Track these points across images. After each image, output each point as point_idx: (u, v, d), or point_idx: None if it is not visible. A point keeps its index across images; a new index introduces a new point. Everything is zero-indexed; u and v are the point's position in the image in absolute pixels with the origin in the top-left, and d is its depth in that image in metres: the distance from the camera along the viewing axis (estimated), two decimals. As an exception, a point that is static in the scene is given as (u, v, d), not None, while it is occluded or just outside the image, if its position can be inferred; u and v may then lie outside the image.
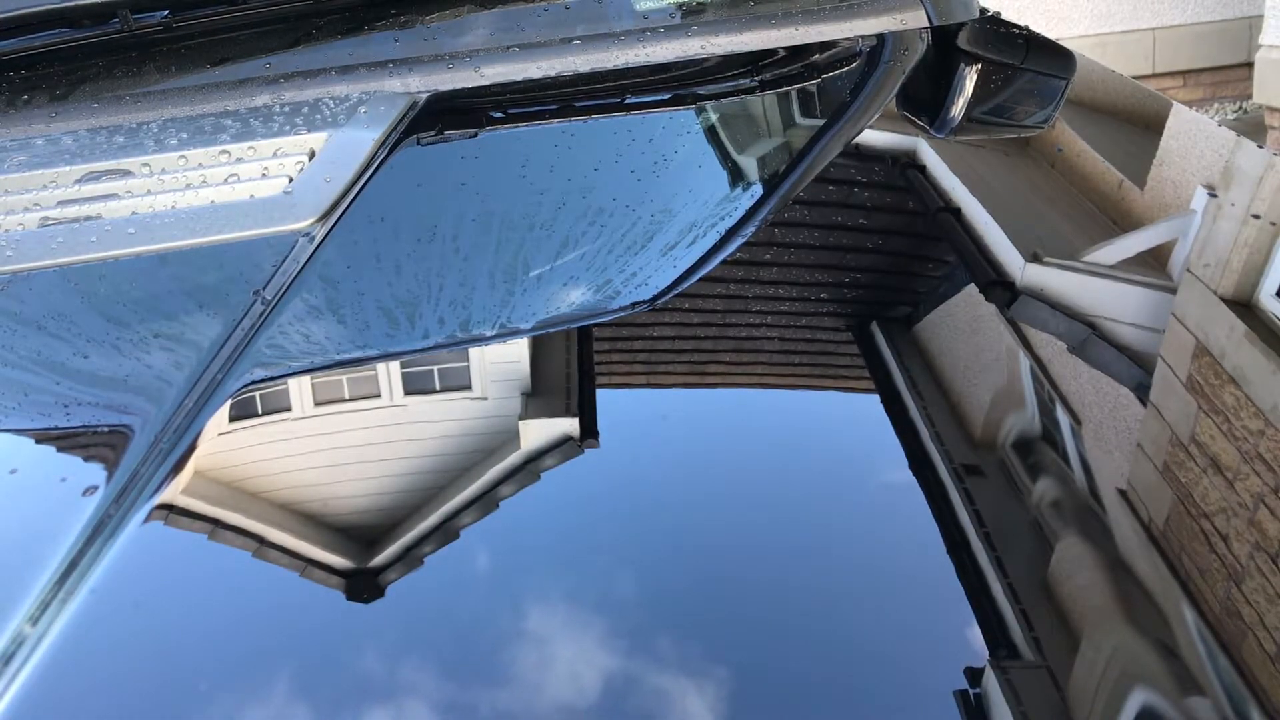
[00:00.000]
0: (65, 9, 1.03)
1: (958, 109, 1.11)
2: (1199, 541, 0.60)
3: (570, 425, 0.72)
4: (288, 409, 0.73)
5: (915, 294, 0.92)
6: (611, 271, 0.86)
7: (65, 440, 0.69)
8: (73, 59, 1.06)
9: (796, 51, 1.11)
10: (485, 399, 0.76)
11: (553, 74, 1.05)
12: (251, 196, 0.87)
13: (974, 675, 0.51)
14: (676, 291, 0.82)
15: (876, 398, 0.75)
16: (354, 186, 0.89)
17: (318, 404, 0.74)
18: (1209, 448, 0.67)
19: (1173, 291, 0.85)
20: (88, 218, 0.86)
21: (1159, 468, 0.66)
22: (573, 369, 0.77)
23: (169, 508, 0.63)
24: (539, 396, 0.75)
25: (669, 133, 1.06)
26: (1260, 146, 1.11)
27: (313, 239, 0.83)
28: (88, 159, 0.93)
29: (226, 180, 0.89)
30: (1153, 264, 0.91)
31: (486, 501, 0.64)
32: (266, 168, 0.90)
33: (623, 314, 0.81)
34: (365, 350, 0.79)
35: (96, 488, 0.63)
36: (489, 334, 0.79)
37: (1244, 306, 0.81)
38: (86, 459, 0.67)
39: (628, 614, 0.55)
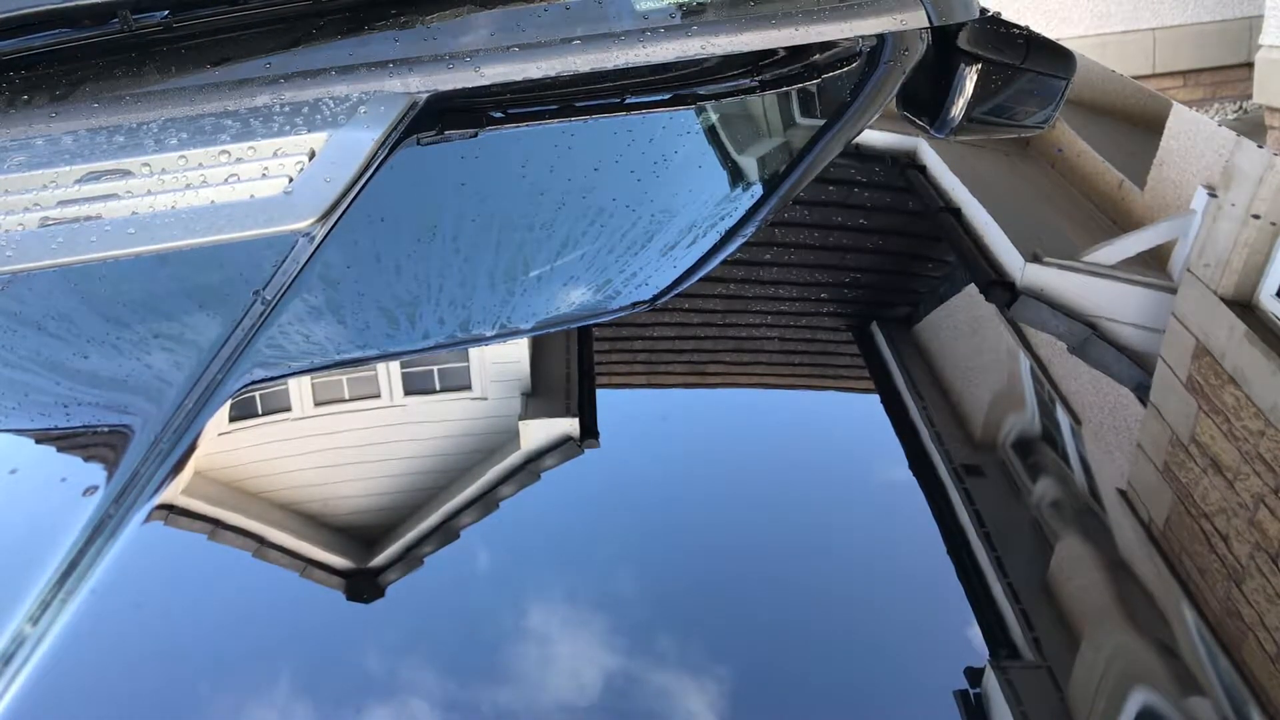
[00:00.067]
0: (65, 9, 1.03)
1: (958, 109, 1.11)
2: (1199, 542, 0.60)
3: (570, 425, 0.72)
4: (288, 409, 0.73)
5: (915, 294, 0.92)
6: (611, 271, 0.86)
7: (65, 440, 0.69)
8: (73, 59, 1.06)
9: (796, 51, 1.11)
10: (485, 399, 0.76)
11: (553, 74, 1.05)
12: (251, 196, 0.87)
13: (974, 675, 0.51)
14: (676, 291, 0.82)
15: (876, 398, 0.75)
16: (354, 186, 0.89)
17: (318, 404, 0.74)
18: (1209, 448, 0.67)
19: (1173, 291, 0.85)
20: (88, 218, 0.86)
21: (1159, 468, 0.66)
22: (573, 369, 0.77)
23: (169, 508, 0.63)
24: (539, 396, 0.75)
25: (669, 133, 1.06)
26: (1260, 146, 1.11)
27: (313, 239, 0.83)
28: (88, 159, 0.93)
29: (226, 180, 0.89)
30: (1153, 264, 0.91)
31: (486, 501, 0.64)
32: (266, 168, 0.90)
33: (623, 314, 0.81)
34: (365, 350, 0.79)
35: (96, 488, 0.63)
36: (489, 334, 0.79)
37: (1244, 307, 0.81)
38: (86, 459, 0.67)
39: (628, 613, 0.55)
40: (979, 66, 1.14)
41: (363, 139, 0.94)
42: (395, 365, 0.77)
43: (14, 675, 0.53)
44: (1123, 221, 1.01)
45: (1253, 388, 0.72)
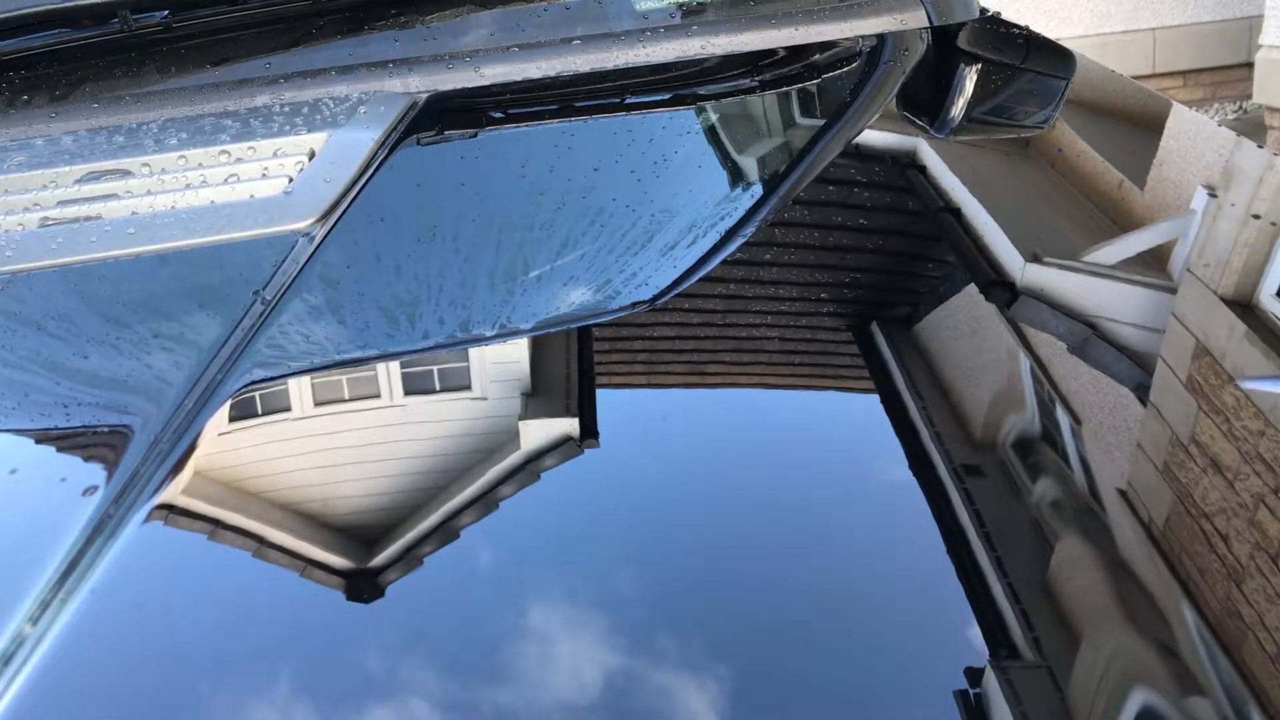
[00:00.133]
0: (65, 9, 1.03)
1: (958, 109, 1.11)
2: (1199, 541, 0.60)
3: (570, 425, 0.72)
4: (288, 409, 0.73)
5: (915, 294, 0.92)
6: (611, 271, 0.86)
7: (65, 440, 0.69)
8: (73, 59, 1.06)
9: (796, 51, 1.11)
10: (485, 399, 0.76)
11: (553, 74, 1.05)
12: (251, 197, 0.87)
13: (974, 675, 0.51)
14: (676, 291, 0.82)
15: (876, 398, 0.75)
16: (354, 186, 0.89)
17: (318, 404, 0.74)
18: (1209, 448, 0.67)
19: (1173, 291, 0.85)
20: (88, 218, 0.86)
21: (1159, 468, 0.66)
22: (573, 369, 0.77)
23: (169, 508, 0.63)
24: (539, 396, 0.75)
25: (669, 133, 1.06)
26: (1260, 146, 1.11)
27: (313, 239, 0.83)
28: (88, 159, 0.93)
29: (226, 180, 0.89)
30: (1153, 264, 0.91)
31: (486, 501, 0.64)
32: (266, 168, 0.90)
33: (623, 314, 0.81)
34: (365, 350, 0.79)
35: (96, 488, 0.63)
36: (489, 334, 0.79)
37: (1244, 306, 0.81)
38: (86, 459, 0.67)
39: (628, 613, 0.55)
40: (979, 66, 1.14)
41: (363, 139, 0.94)
42: (395, 365, 0.77)
43: (14, 675, 0.53)
44: (1123, 221, 1.01)
45: (1253, 388, 0.72)
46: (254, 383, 0.72)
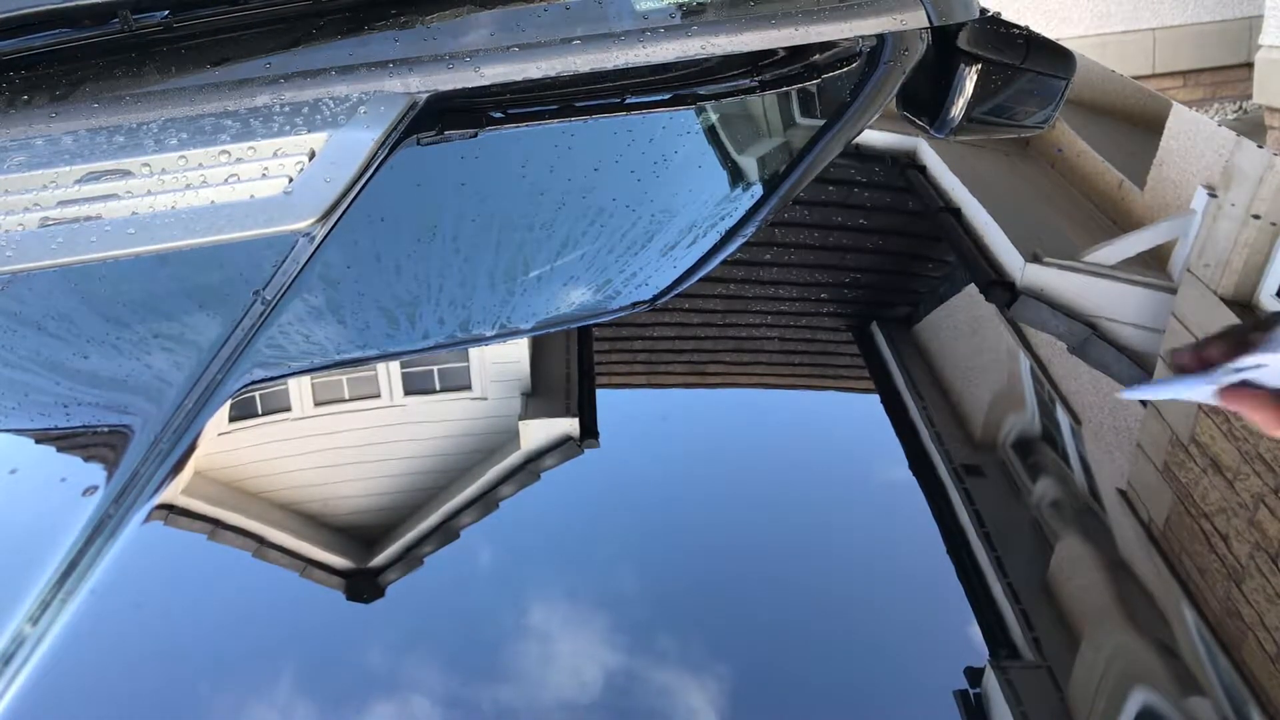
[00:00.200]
0: (65, 9, 1.03)
1: (958, 109, 1.11)
2: (1199, 541, 0.60)
3: (570, 425, 0.72)
4: (288, 409, 0.73)
5: (915, 294, 0.92)
6: (611, 271, 0.86)
7: (65, 440, 0.69)
8: (73, 59, 1.06)
9: (796, 51, 1.11)
10: (485, 399, 0.76)
11: (553, 74, 1.05)
12: (251, 197, 0.87)
13: (974, 675, 0.51)
14: (676, 291, 0.82)
15: (876, 398, 0.75)
16: (354, 187, 0.89)
17: (318, 404, 0.74)
18: (1209, 448, 0.67)
19: (1173, 291, 0.85)
20: (88, 218, 0.86)
21: (1159, 468, 0.66)
22: (573, 369, 0.77)
23: (169, 508, 0.63)
24: (539, 396, 0.75)
25: (669, 133, 1.06)
26: (1260, 146, 1.11)
27: (313, 239, 0.83)
28: (88, 159, 0.93)
29: (226, 180, 0.89)
30: (1153, 264, 0.91)
31: (486, 501, 0.64)
32: (266, 168, 0.90)
33: (623, 314, 0.81)
34: (365, 350, 0.79)
35: (96, 488, 0.63)
36: (489, 334, 0.79)
37: (1244, 307, 0.81)
38: (86, 459, 0.67)
39: (628, 613, 0.55)
40: (979, 66, 1.14)
41: (363, 139, 0.94)
42: (395, 365, 0.77)
43: (14, 675, 0.53)
44: (1123, 221, 1.01)
45: (1253, 388, 0.72)
46: (254, 383, 0.72)
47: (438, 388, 0.76)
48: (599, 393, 0.75)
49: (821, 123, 1.11)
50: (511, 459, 0.68)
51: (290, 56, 1.05)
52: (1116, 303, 0.85)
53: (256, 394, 0.72)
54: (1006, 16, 1.26)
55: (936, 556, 0.59)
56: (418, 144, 0.99)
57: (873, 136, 1.07)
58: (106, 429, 0.69)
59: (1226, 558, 0.58)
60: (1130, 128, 1.33)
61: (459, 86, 1.03)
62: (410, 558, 0.61)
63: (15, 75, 1.05)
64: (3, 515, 0.64)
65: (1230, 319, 0.80)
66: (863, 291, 0.93)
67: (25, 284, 0.81)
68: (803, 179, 1.01)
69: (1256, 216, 0.94)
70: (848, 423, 0.74)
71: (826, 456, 0.70)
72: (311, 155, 0.92)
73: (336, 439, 0.72)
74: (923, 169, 1.04)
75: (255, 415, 0.72)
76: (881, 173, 1.08)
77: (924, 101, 1.13)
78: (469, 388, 0.77)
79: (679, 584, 0.59)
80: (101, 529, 0.60)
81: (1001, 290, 0.84)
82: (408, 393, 0.76)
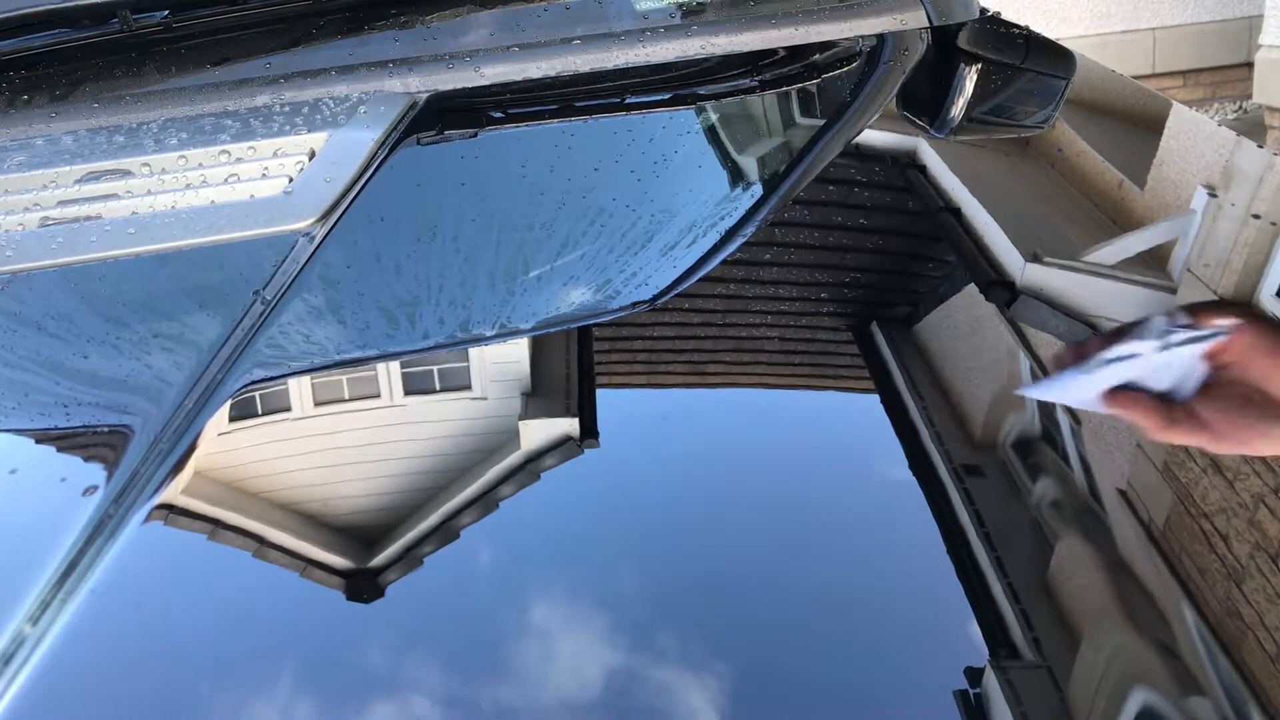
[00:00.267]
0: (65, 9, 1.03)
1: (958, 109, 1.11)
2: (1199, 541, 0.60)
3: (570, 425, 0.72)
4: (288, 409, 0.73)
5: (915, 294, 0.92)
6: (611, 271, 0.86)
7: (65, 440, 0.69)
8: (73, 59, 1.06)
9: (796, 51, 1.11)
10: (485, 399, 0.76)
11: (553, 74, 1.05)
12: (251, 196, 0.87)
13: (974, 675, 0.51)
14: (676, 291, 0.82)
15: (876, 398, 0.75)
16: (354, 186, 0.89)
17: (318, 404, 0.74)
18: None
19: (1173, 291, 0.85)
20: (88, 218, 0.86)
21: (1159, 468, 0.66)
22: (573, 369, 0.77)
23: (169, 508, 0.63)
24: (539, 396, 0.75)
25: (669, 133, 1.06)
26: (1260, 146, 1.11)
27: (313, 239, 0.83)
28: (88, 159, 0.93)
29: (226, 180, 0.89)
30: (1153, 264, 0.92)
31: (486, 501, 0.64)
32: (266, 168, 0.90)
33: (623, 314, 0.81)
34: (365, 350, 0.79)
35: (96, 488, 0.63)
36: (489, 334, 0.79)
37: (1244, 307, 0.81)
38: (86, 459, 0.67)
39: (628, 613, 0.55)
40: (979, 66, 1.14)
41: (363, 139, 0.94)
42: (395, 365, 0.77)
43: (14, 675, 0.53)
44: (1123, 221, 1.01)
45: (1253, 388, 0.72)
46: (254, 383, 0.72)
47: (438, 388, 0.76)
48: (599, 393, 0.75)
49: (821, 123, 1.11)
50: (511, 459, 0.68)
51: (290, 56, 1.05)
52: (1116, 302, 0.85)
53: (256, 394, 0.72)
54: (1006, 16, 1.26)
55: (936, 556, 0.59)
56: (418, 144, 0.99)
57: (873, 136, 1.07)
58: (106, 429, 0.69)
59: (1226, 558, 0.58)
60: (1130, 128, 1.33)
61: (459, 86, 1.03)
62: (410, 558, 0.61)
63: (15, 75, 1.05)
64: (3, 515, 0.64)
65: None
66: (863, 291, 0.93)
67: (25, 284, 0.81)
68: (803, 179, 1.01)
69: (1256, 216, 0.94)
70: (848, 423, 0.74)
71: (826, 456, 0.70)
72: (311, 155, 0.92)
73: (336, 439, 0.72)
74: (923, 169, 1.04)
75: (255, 415, 0.72)
76: (881, 173, 1.08)
77: (924, 101, 1.13)
78: (469, 388, 0.77)
79: (679, 584, 0.59)
80: (101, 529, 0.60)
81: (1001, 290, 0.84)
82: (408, 393, 0.76)
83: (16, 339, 0.78)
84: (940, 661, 0.53)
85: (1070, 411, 0.71)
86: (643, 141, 1.03)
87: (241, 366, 0.73)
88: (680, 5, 1.14)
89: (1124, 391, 0.62)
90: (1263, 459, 0.64)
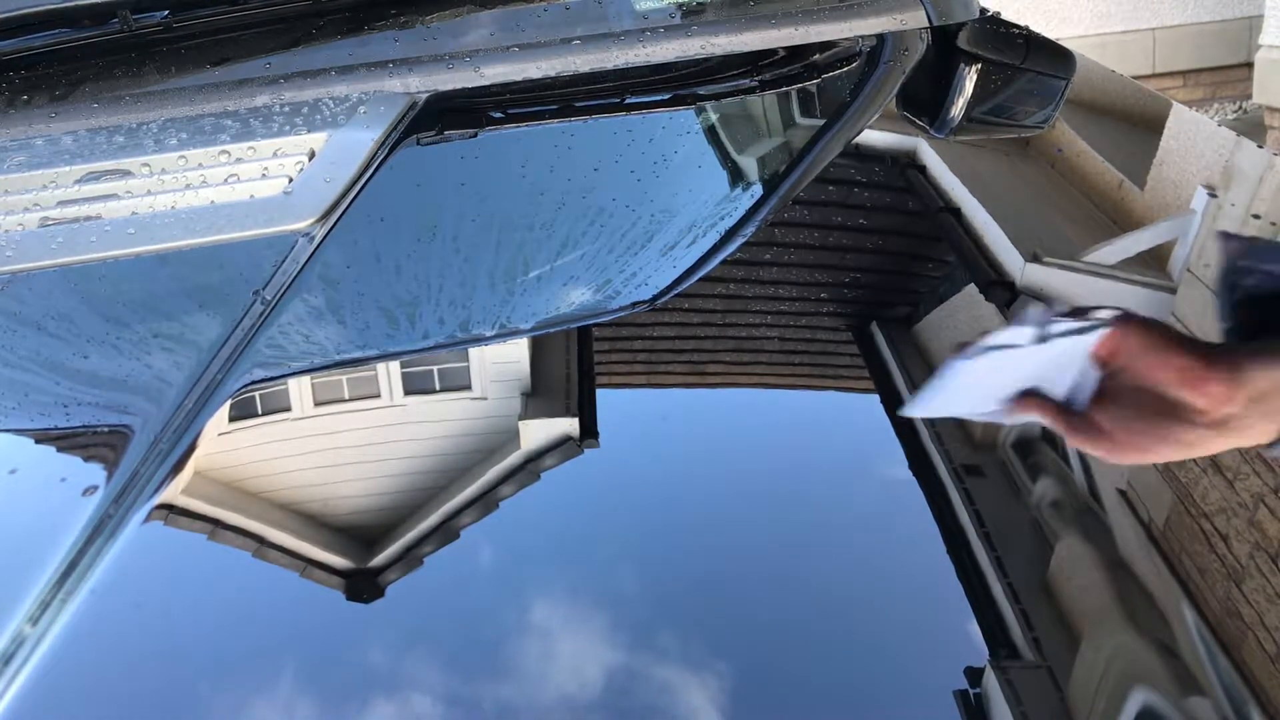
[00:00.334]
0: (65, 9, 1.03)
1: (958, 109, 1.11)
2: (1199, 541, 0.60)
3: (570, 425, 0.72)
4: (288, 409, 0.73)
5: (915, 294, 0.92)
6: (611, 271, 0.86)
7: (65, 440, 0.69)
8: (73, 59, 1.06)
9: (796, 51, 1.11)
10: (485, 399, 0.76)
11: (553, 74, 1.05)
12: (251, 197, 0.87)
13: (974, 675, 0.51)
14: (676, 291, 0.82)
15: (876, 398, 0.75)
16: (354, 187, 0.89)
17: (318, 404, 0.74)
18: (1209, 448, 0.67)
19: (1173, 291, 0.85)
20: (88, 218, 0.86)
21: (1159, 468, 0.66)
22: (573, 369, 0.78)
23: (169, 508, 0.63)
24: (539, 396, 0.75)
25: (669, 133, 1.06)
26: (1260, 146, 1.11)
27: (313, 239, 0.83)
28: (88, 159, 0.93)
29: (226, 180, 0.89)
30: (1153, 264, 0.92)
31: (486, 501, 0.64)
32: (266, 168, 0.90)
33: (623, 314, 0.81)
34: (365, 350, 0.79)
35: (96, 488, 0.63)
36: (489, 334, 0.79)
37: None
38: (86, 459, 0.67)
39: (628, 613, 0.55)
40: (979, 66, 1.14)
41: (363, 139, 0.94)
42: (395, 365, 0.77)
43: (14, 675, 0.53)
44: (1123, 221, 1.01)
45: (1253, 388, 0.72)
46: (254, 383, 0.72)
47: (438, 388, 0.76)
48: (599, 393, 0.75)
49: (821, 123, 1.11)
50: (511, 459, 0.68)
51: (290, 56, 1.05)
52: (1116, 302, 0.85)
53: (256, 394, 0.72)
54: (1006, 16, 1.26)
55: (936, 556, 0.59)
56: (418, 144, 0.99)
57: (873, 136, 1.07)
58: (106, 429, 0.69)
59: (1226, 558, 0.58)
60: (1130, 128, 1.33)
61: (459, 86, 1.03)
62: (410, 558, 0.61)
63: (15, 75, 1.05)
64: (3, 515, 0.64)
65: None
66: (863, 291, 0.93)
67: (25, 284, 0.81)
68: (803, 179, 1.01)
69: (1256, 216, 0.95)
70: (848, 423, 0.74)
71: (826, 456, 0.70)
72: (311, 155, 0.92)
73: (336, 439, 0.72)
74: (923, 169, 1.04)
75: (255, 415, 0.72)
76: (881, 173, 1.08)
77: (924, 101, 1.13)
78: (469, 388, 0.77)
79: (679, 584, 0.59)
80: (101, 529, 0.60)
81: (1001, 290, 0.84)
82: (408, 393, 0.76)
83: (16, 339, 0.78)
84: (940, 661, 0.53)
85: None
86: (643, 142, 1.03)
87: (241, 366, 0.73)
88: (680, 5, 1.14)
89: (1028, 398, 0.61)
90: (1262, 458, 0.64)
